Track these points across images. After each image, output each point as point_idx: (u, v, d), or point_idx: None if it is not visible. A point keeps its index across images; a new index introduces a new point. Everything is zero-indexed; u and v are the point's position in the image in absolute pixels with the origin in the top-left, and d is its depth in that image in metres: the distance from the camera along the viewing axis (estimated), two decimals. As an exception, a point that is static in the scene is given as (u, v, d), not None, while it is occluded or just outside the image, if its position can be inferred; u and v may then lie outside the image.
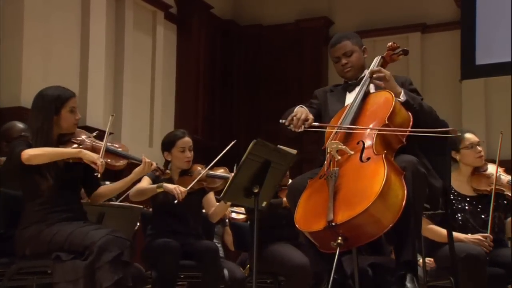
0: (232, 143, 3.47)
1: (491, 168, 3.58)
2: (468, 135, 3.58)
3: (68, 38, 5.84)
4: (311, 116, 2.77)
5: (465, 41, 7.20)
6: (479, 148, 3.56)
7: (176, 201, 3.38)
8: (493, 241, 3.45)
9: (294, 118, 2.74)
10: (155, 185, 3.44)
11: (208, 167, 3.54)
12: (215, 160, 3.50)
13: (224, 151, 3.47)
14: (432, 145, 2.80)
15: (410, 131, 2.67)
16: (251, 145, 2.69)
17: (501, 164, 3.67)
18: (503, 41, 6.84)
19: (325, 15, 7.93)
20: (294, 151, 2.90)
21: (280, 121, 2.79)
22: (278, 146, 2.83)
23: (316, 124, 2.76)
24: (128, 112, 6.42)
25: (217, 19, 7.86)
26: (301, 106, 2.86)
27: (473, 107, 7.21)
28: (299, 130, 2.75)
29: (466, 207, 3.54)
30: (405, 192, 2.49)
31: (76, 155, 2.80)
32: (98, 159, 2.78)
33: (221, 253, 4.52)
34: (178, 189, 3.39)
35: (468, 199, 3.56)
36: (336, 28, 7.98)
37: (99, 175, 2.84)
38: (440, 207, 2.89)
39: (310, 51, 7.96)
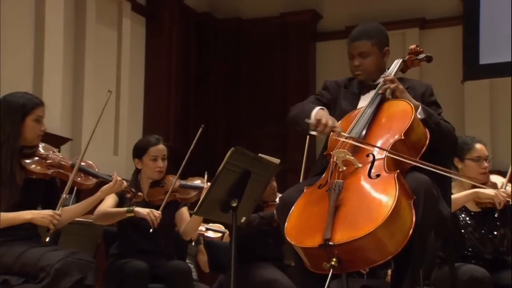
0: (200, 129, 3.48)
1: (494, 179, 3.63)
2: (478, 146, 3.60)
3: (20, 31, 5.78)
4: (338, 124, 2.73)
5: (468, 37, 7.29)
6: (485, 163, 3.59)
7: (151, 230, 3.39)
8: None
9: (321, 123, 2.70)
10: (124, 209, 3.44)
11: (179, 170, 3.54)
12: (185, 159, 3.50)
13: (194, 142, 3.46)
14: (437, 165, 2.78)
15: (416, 161, 2.65)
16: (228, 153, 2.68)
17: (502, 175, 3.72)
18: (510, 38, 6.94)
19: (313, 8, 7.98)
20: (277, 161, 2.90)
21: (306, 121, 2.73)
22: (259, 155, 2.84)
23: (344, 134, 2.69)
24: (89, 115, 6.37)
25: (191, 11, 7.86)
26: (322, 108, 2.83)
27: (476, 110, 7.28)
28: (320, 136, 2.73)
29: (470, 222, 3.58)
30: (414, 219, 2.49)
31: (28, 221, 2.81)
32: (50, 223, 2.77)
33: (194, 275, 4.50)
34: (152, 215, 3.38)
35: (472, 214, 3.60)
36: (324, 23, 8.04)
37: (47, 239, 2.84)
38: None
39: (296, 48, 7.99)
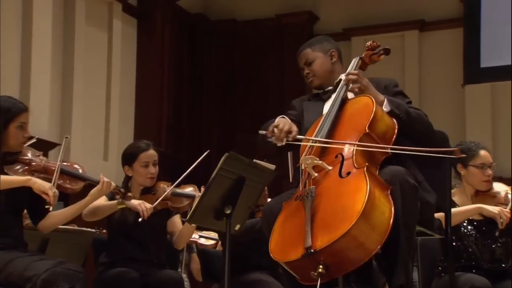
0: (205, 153, 3.48)
1: (497, 187, 3.63)
2: (483, 153, 3.60)
3: (6, 33, 5.77)
4: (295, 128, 2.82)
5: (469, 40, 7.31)
6: (489, 171, 3.59)
7: (140, 220, 3.37)
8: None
9: (276, 129, 2.77)
10: (114, 201, 3.42)
11: (175, 183, 3.53)
12: (183, 175, 3.49)
13: (195, 164, 3.47)
14: (424, 156, 2.82)
15: (403, 149, 2.69)
16: (222, 159, 2.68)
17: (504, 181, 3.72)
18: (511, 41, 6.96)
19: (309, 10, 7.99)
20: (272, 166, 2.90)
21: (260, 132, 2.82)
22: (254, 160, 2.84)
23: (301, 137, 2.78)
24: (79, 120, 6.36)
25: (184, 13, 7.87)
26: (283, 117, 2.90)
27: (478, 114, 7.29)
28: (281, 144, 2.78)
29: (471, 231, 3.58)
30: (392, 209, 2.51)
31: (25, 183, 2.80)
32: (50, 189, 2.76)
33: (187, 284, 4.49)
34: (143, 205, 3.38)
35: (475, 223, 3.60)
36: (321, 25, 8.05)
37: (50, 208, 2.82)
38: (436, 228, 2.92)
39: (292, 51, 7.95)
